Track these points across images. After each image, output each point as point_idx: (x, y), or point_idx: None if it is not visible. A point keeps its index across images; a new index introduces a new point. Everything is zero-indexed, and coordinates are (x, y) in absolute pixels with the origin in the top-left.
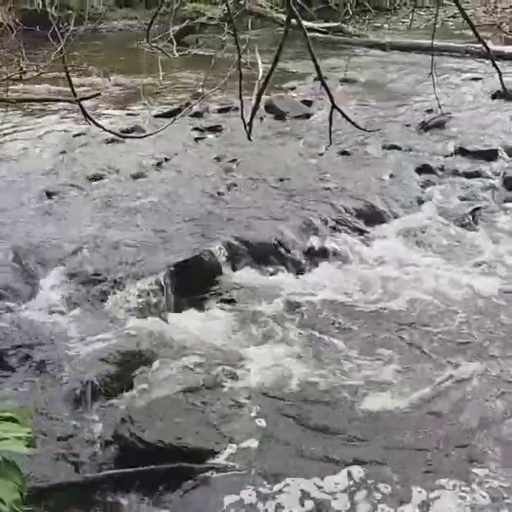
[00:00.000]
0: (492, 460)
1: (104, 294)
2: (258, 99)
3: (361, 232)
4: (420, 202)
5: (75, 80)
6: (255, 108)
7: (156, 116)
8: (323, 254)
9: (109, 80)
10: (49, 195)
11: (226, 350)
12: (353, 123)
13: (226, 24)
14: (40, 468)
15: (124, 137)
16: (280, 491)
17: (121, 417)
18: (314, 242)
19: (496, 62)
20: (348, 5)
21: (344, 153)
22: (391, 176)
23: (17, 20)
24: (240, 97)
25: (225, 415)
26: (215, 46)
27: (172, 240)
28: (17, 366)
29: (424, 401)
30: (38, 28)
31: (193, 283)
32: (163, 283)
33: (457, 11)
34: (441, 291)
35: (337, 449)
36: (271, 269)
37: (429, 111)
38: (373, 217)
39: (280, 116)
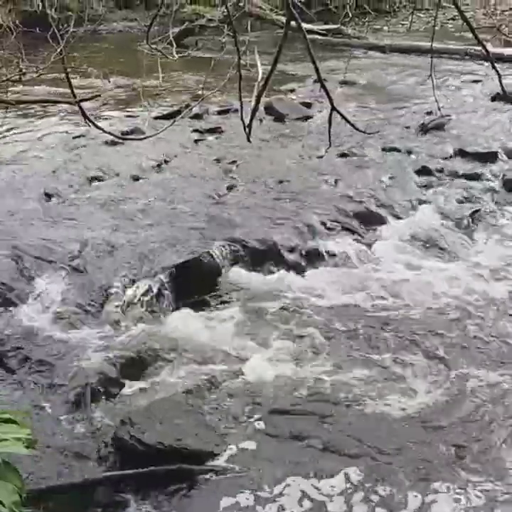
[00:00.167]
0: (491, 465)
1: (104, 296)
2: (258, 101)
3: (361, 234)
4: (420, 204)
5: (74, 81)
6: (255, 110)
7: (156, 118)
8: (322, 256)
9: (109, 81)
10: (48, 196)
11: (226, 351)
12: (352, 125)
13: (226, 26)
14: (40, 470)
15: (124, 139)
16: (280, 493)
17: (121, 419)
18: (314, 243)
19: (496, 64)
20: (348, 7)
21: (344, 155)
22: (391, 178)
23: (17, 21)
24: (240, 99)
25: (224, 417)
26: (214, 48)
27: (172, 241)
28: (16, 367)
29: (424, 402)
30: (37, 29)
31: (192, 284)
32: (163, 284)
33: (457, 14)
34: (441, 293)
35: (337, 452)
36: (270, 270)
37: (429, 113)
38: (373, 219)
39: (280, 118)
